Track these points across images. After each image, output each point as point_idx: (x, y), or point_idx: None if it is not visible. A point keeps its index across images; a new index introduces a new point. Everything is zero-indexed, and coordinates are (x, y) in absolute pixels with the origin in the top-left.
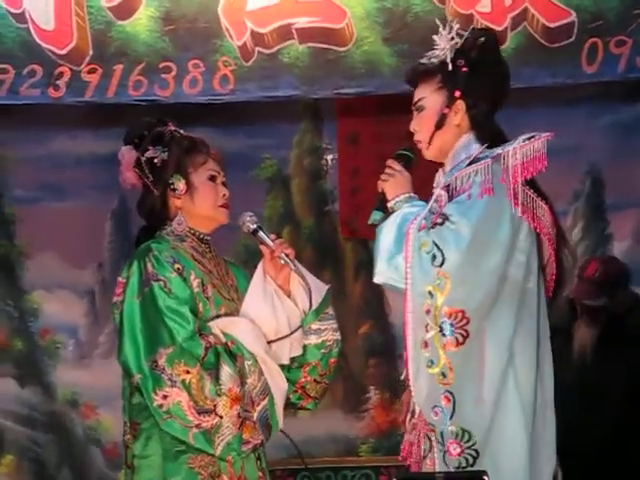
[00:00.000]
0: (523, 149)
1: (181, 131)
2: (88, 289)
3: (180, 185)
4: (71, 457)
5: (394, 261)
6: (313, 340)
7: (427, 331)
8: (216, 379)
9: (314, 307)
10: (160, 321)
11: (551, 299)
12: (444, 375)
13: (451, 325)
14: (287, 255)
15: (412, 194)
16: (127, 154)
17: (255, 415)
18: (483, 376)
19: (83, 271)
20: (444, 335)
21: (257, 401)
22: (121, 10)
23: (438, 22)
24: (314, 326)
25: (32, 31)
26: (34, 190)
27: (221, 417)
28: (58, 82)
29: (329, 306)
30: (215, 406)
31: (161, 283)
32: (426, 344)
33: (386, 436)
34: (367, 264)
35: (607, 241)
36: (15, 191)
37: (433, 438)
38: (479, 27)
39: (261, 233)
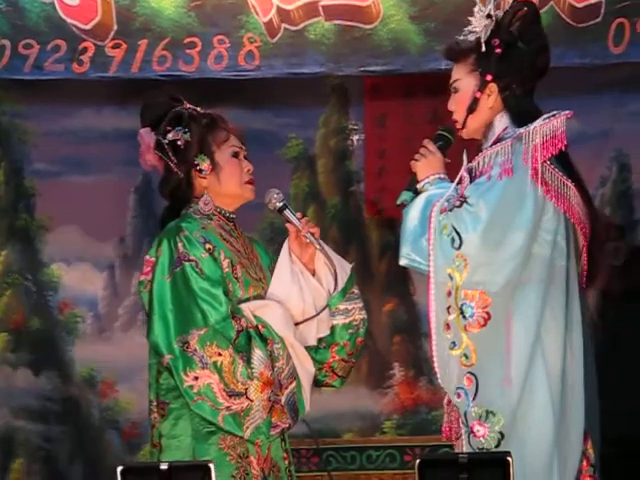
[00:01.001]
0: (543, 128)
1: (197, 108)
2: (108, 263)
3: (205, 165)
4: (85, 450)
5: (419, 244)
6: (341, 320)
7: (449, 313)
8: (248, 362)
9: (340, 287)
10: (193, 302)
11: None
12: (466, 357)
13: (471, 307)
14: (312, 234)
15: (442, 175)
16: (146, 136)
17: (283, 399)
18: (510, 357)
19: (104, 244)
20: (465, 317)
21: (285, 385)
22: None
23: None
24: (341, 306)
25: (57, 6)
26: (55, 164)
27: (252, 401)
28: (82, 57)
29: (354, 285)
30: (246, 389)
31: (192, 263)
32: (448, 326)
33: (410, 413)
34: (392, 243)
35: (634, 227)
36: (36, 165)
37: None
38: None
39: (287, 211)
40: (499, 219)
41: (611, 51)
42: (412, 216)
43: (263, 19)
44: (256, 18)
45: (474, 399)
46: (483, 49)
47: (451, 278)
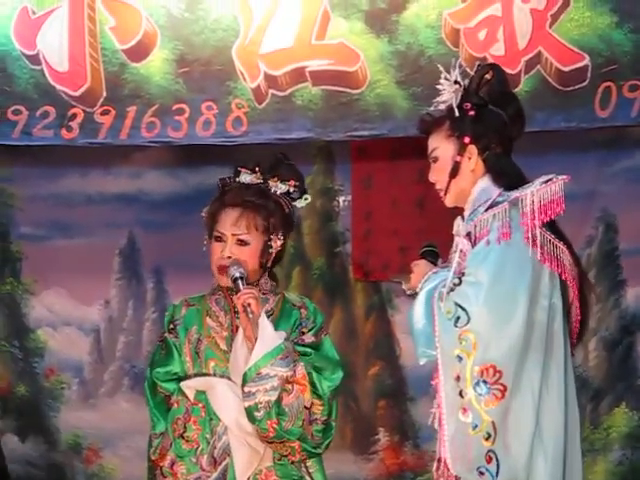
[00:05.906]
0: (540, 192)
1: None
2: (94, 326)
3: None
4: None
5: (431, 338)
6: (246, 402)
7: (462, 397)
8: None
9: (247, 367)
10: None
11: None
12: (489, 434)
13: (484, 382)
14: (249, 305)
15: (434, 270)
16: None
17: (215, 474)
18: (507, 423)
19: (89, 308)
20: (481, 395)
21: (219, 460)
22: (135, 52)
23: (441, 68)
24: (246, 389)
25: (46, 72)
26: (41, 228)
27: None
28: (71, 123)
29: (267, 364)
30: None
31: (160, 344)
32: (465, 410)
33: (396, 478)
34: (377, 305)
35: (620, 287)
36: (22, 229)
37: None
38: (484, 63)
39: (238, 282)
40: (501, 284)
41: (597, 115)
42: (417, 314)
43: (251, 85)
44: (244, 84)
45: (497, 475)
46: (456, 114)
47: (460, 359)
